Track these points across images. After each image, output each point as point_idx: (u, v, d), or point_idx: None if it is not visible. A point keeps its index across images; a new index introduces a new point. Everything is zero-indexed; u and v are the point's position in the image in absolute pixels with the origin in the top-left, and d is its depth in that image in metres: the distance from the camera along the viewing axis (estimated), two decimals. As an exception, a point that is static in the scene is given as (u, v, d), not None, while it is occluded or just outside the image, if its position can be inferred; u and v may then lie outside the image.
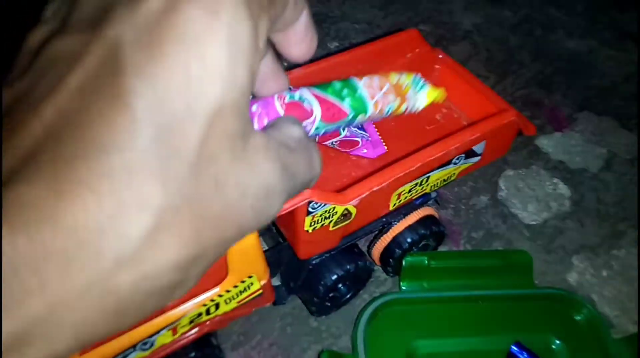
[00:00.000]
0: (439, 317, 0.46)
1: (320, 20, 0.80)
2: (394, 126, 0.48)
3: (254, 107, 0.22)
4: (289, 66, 0.69)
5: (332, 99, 0.29)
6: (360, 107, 0.31)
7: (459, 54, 0.76)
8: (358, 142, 0.45)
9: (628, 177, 0.60)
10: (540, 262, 0.52)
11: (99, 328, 0.14)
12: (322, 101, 0.29)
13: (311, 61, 0.57)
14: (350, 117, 0.31)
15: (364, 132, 0.45)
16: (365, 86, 0.32)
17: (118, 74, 0.13)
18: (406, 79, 0.34)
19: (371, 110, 0.32)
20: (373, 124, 0.47)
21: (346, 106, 0.30)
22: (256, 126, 0.23)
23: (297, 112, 0.24)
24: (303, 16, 0.19)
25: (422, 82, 0.33)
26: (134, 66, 0.13)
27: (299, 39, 0.20)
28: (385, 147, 0.45)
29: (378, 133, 0.46)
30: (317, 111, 0.26)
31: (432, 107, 0.49)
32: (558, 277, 0.51)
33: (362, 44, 0.48)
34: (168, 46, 0.13)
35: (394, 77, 0.34)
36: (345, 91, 0.30)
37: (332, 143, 0.44)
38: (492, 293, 0.47)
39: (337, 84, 0.29)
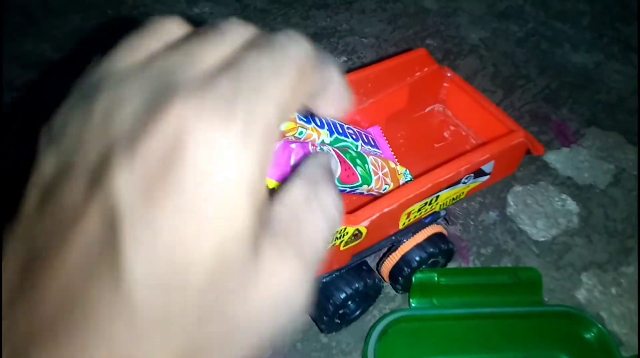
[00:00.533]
0: (449, 334, 0.46)
1: (328, 35, 0.81)
2: (404, 143, 0.49)
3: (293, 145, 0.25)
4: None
5: (349, 163, 0.34)
6: (367, 178, 0.37)
7: (466, 68, 0.76)
8: None
9: (635, 193, 0.60)
10: (549, 279, 0.52)
11: None
12: (342, 161, 0.33)
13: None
14: (358, 183, 0.36)
15: (376, 149, 0.45)
16: (371, 162, 0.37)
17: (115, 248, 0.13)
18: (400, 169, 0.41)
19: (373, 184, 0.38)
20: (385, 139, 0.47)
21: (358, 173, 0.34)
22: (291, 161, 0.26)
23: None
24: (334, 83, 0.19)
25: (409, 176, 0.42)
26: (130, 229, 0.13)
27: (334, 102, 0.19)
28: (396, 160, 0.46)
29: (390, 149, 0.47)
30: (339, 170, 0.28)
31: (441, 125, 0.50)
32: (567, 294, 0.51)
33: (371, 63, 0.49)
34: (168, 198, 0.13)
35: (392, 164, 0.40)
36: (358, 160, 0.35)
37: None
38: (501, 310, 0.47)
39: (353, 153, 0.33)
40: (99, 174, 0.13)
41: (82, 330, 0.12)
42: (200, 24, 0.61)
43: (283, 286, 0.15)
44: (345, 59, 0.77)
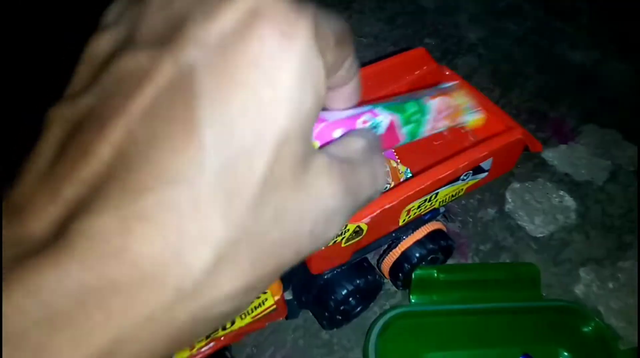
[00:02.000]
0: (449, 329, 0.46)
1: (327, 34, 0.82)
2: (403, 142, 0.49)
3: (338, 132, 0.23)
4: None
5: (397, 124, 0.28)
6: (415, 133, 0.31)
7: (465, 67, 0.77)
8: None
9: (633, 189, 0.61)
10: (548, 274, 0.52)
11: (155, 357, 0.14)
12: (389, 129, 0.28)
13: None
14: (400, 143, 0.30)
15: None
16: (435, 110, 0.31)
17: (189, 100, 0.13)
18: (402, 168, 0.37)
19: (421, 135, 0.32)
20: None
21: (404, 132, 0.29)
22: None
23: None
24: (353, 81, 0.20)
25: (474, 111, 0.36)
26: (206, 92, 0.13)
27: (346, 97, 0.20)
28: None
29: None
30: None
31: (440, 123, 0.50)
32: (565, 289, 0.51)
33: (370, 63, 0.49)
34: (242, 70, 0.13)
35: (393, 163, 0.35)
36: (415, 116, 0.30)
37: None
38: (500, 305, 0.47)
39: (412, 108, 0.28)
40: (170, 42, 0.13)
41: (150, 173, 0.13)
42: None
43: (326, 205, 0.16)
44: (344, 58, 0.78)
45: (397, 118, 0.28)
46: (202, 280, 0.13)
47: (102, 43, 0.15)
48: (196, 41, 0.13)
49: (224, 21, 0.14)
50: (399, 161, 0.46)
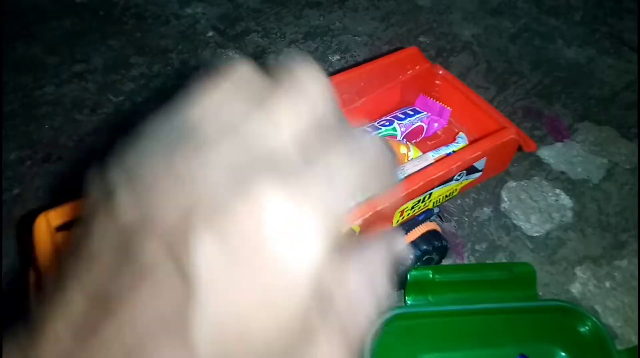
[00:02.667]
0: (445, 330, 0.46)
1: (321, 34, 0.81)
2: (396, 143, 0.49)
3: None
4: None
5: None
6: None
7: (459, 65, 0.76)
8: (423, 126, 0.47)
9: (629, 187, 0.60)
10: (544, 274, 0.52)
11: None
12: None
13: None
14: None
15: (419, 114, 0.47)
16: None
17: (186, 315, 0.13)
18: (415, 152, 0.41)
19: None
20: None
21: None
22: None
23: None
24: None
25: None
26: (204, 306, 0.13)
27: None
28: (449, 108, 0.49)
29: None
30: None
31: (434, 121, 0.50)
32: (561, 288, 0.51)
33: (364, 62, 0.49)
34: (242, 279, 0.13)
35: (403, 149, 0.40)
36: None
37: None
38: (496, 306, 0.47)
39: None
40: (180, 238, 0.13)
41: None
42: (192, 25, 0.61)
43: None
44: (338, 57, 0.77)
45: None
46: None
47: (125, 213, 0.15)
48: (202, 244, 0.13)
49: (232, 226, 0.13)
50: (408, 143, 0.46)
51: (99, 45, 0.77)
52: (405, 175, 0.42)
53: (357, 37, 0.81)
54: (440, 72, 0.50)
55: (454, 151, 0.45)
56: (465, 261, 0.53)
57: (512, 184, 0.60)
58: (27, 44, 0.77)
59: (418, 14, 0.86)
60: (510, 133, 0.42)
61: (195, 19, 0.83)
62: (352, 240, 0.17)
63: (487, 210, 0.58)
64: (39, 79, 0.71)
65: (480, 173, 0.45)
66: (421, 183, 0.38)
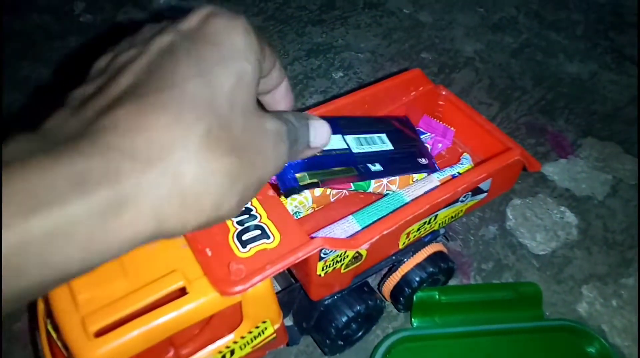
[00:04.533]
0: (452, 352, 0.46)
1: (324, 51, 0.82)
2: (401, 163, 0.49)
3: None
4: (299, 109, 0.70)
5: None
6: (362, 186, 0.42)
7: (462, 81, 0.77)
8: (427, 147, 0.48)
9: (634, 203, 0.60)
10: (550, 293, 0.52)
11: (172, 217, 0.19)
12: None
13: (319, 103, 0.58)
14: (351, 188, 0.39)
15: (423, 135, 0.49)
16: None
17: (174, 59, 0.21)
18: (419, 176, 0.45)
19: (371, 189, 0.43)
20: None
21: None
22: None
23: None
24: (284, 81, 0.30)
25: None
26: (185, 53, 0.21)
27: (282, 98, 0.30)
28: (452, 128, 0.50)
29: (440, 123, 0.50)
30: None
31: (438, 142, 0.50)
32: (568, 308, 0.51)
33: (368, 78, 0.49)
34: (208, 38, 0.22)
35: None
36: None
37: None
38: (503, 327, 0.47)
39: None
40: (155, 37, 0.22)
41: (154, 92, 0.20)
42: None
43: (274, 129, 0.24)
44: (342, 74, 0.78)
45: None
46: (198, 150, 0.19)
47: (104, 58, 0.24)
48: (173, 30, 0.22)
49: (191, 20, 0.23)
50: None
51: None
52: (411, 198, 0.42)
53: (359, 54, 0.81)
54: (444, 92, 0.50)
55: (458, 173, 0.45)
56: (472, 281, 0.53)
57: (517, 201, 0.60)
58: (32, 64, 0.78)
59: (420, 31, 0.86)
60: (515, 154, 0.42)
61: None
62: None
63: (492, 228, 0.58)
64: (45, 99, 0.72)
65: (486, 194, 0.45)
66: (427, 206, 0.38)
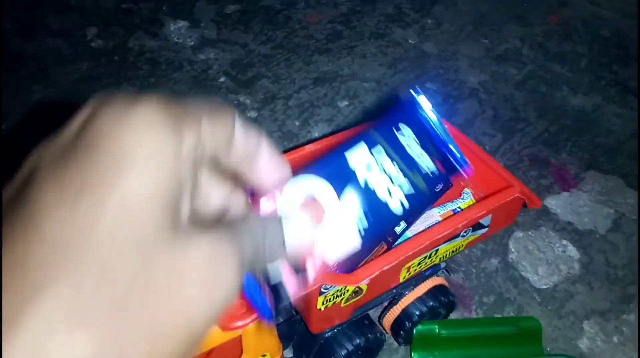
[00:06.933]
0: (451, 387, 0.46)
1: (330, 79, 0.83)
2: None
3: None
4: (301, 143, 0.71)
5: None
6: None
7: (466, 112, 0.78)
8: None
9: (635, 238, 0.60)
10: (552, 328, 0.52)
11: None
12: None
13: (322, 137, 0.59)
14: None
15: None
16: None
17: (31, 192, 0.15)
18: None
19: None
20: None
21: None
22: None
23: None
24: (263, 145, 0.20)
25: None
26: (49, 181, 0.15)
27: (267, 169, 0.21)
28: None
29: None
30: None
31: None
32: (569, 344, 0.51)
33: (372, 108, 0.50)
34: (75, 165, 0.15)
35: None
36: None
37: None
38: (503, 362, 0.47)
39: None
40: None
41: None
42: (205, 71, 0.64)
43: (207, 256, 0.16)
44: (347, 103, 0.79)
45: None
46: None
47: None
48: (42, 147, 0.16)
49: (71, 126, 0.16)
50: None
51: (113, 89, 0.79)
52: (412, 233, 0.42)
53: (365, 83, 0.83)
54: (445, 126, 0.51)
55: (459, 208, 0.46)
56: (473, 315, 0.53)
57: (519, 234, 0.61)
58: (44, 88, 0.79)
59: (425, 61, 0.88)
60: (516, 191, 0.43)
61: (208, 64, 0.85)
62: None
63: (494, 261, 0.58)
64: (55, 124, 0.73)
65: (487, 229, 0.45)
66: (427, 243, 0.39)
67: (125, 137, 0.15)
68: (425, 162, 0.37)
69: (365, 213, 0.32)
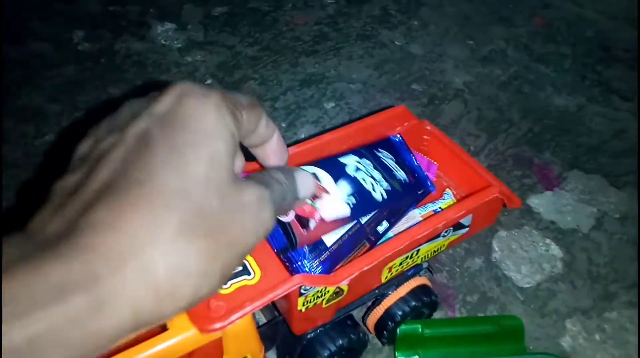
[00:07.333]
0: (434, 386, 0.46)
1: (317, 81, 0.83)
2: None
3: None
4: (287, 144, 0.71)
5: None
6: None
7: (451, 112, 0.78)
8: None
9: (618, 236, 0.61)
10: (535, 327, 0.52)
11: (149, 310, 0.20)
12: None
13: (308, 138, 0.59)
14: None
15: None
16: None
17: (149, 149, 0.21)
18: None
19: None
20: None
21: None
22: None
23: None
24: (275, 135, 0.30)
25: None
26: (160, 142, 0.22)
27: (273, 152, 0.30)
28: (436, 162, 0.51)
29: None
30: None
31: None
32: (552, 342, 0.51)
33: (359, 109, 0.50)
34: (181, 123, 0.22)
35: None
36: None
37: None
38: (486, 361, 0.47)
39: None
40: (129, 123, 0.23)
41: (131, 189, 0.20)
42: (192, 73, 0.65)
43: (260, 194, 0.25)
44: (333, 104, 0.79)
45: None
46: (174, 242, 0.20)
47: (85, 145, 0.24)
48: (147, 116, 0.23)
49: (164, 102, 0.23)
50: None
51: (100, 93, 0.79)
52: (394, 233, 0.43)
53: (351, 85, 0.83)
54: (428, 127, 0.52)
55: (440, 208, 0.46)
56: (457, 314, 0.53)
57: (502, 233, 0.61)
58: (29, 92, 0.79)
59: (411, 62, 0.88)
60: (495, 191, 0.43)
61: (195, 66, 0.86)
62: None
63: (478, 260, 0.58)
64: (41, 127, 0.73)
65: (467, 229, 0.45)
66: (407, 243, 0.39)
67: (206, 118, 0.23)
68: (400, 174, 0.46)
69: (354, 195, 0.41)
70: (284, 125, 0.75)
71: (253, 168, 0.40)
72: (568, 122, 0.77)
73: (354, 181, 0.42)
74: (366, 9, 1.02)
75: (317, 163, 0.42)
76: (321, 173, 0.41)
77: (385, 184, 0.43)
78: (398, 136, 0.50)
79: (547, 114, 0.78)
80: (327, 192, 0.40)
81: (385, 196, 0.42)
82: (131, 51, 0.88)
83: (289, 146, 0.48)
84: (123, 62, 0.86)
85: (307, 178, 0.30)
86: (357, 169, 0.43)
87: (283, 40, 0.92)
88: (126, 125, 0.23)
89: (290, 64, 0.87)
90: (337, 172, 0.42)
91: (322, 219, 0.39)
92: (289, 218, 0.39)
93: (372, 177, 0.43)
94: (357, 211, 0.40)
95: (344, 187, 0.41)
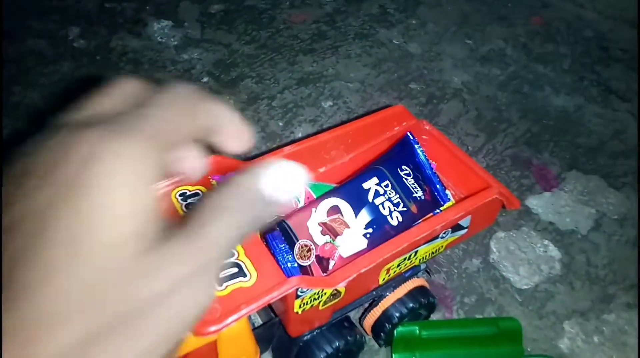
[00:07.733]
0: (432, 388, 0.46)
1: (314, 80, 0.83)
2: (384, 197, 0.49)
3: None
4: (284, 143, 0.71)
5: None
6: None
7: (449, 112, 0.78)
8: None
9: (616, 238, 0.61)
10: (532, 328, 0.52)
11: None
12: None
13: (305, 137, 0.59)
14: None
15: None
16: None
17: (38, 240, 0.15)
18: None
19: None
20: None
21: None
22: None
23: None
24: (230, 117, 0.21)
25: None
26: (52, 232, 0.16)
27: (233, 136, 0.22)
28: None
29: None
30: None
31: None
32: (550, 344, 0.51)
33: (357, 108, 0.50)
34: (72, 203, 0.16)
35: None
36: None
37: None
38: (483, 363, 0.47)
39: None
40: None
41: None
42: (188, 71, 0.64)
43: (179, 272, 0.17)
44: (331, 103, 0.78)
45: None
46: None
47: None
48: (51, 185, 0.16)
49: (69, 167, 0.17)
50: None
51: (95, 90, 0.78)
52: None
53: (349, 84, 0.82)
54: (427, 127, 0.51)
55: (439, 209, 0.46)
56: (455, 315, 0.53)
57: (501, 234, 0.61)
58: (24, 90, 0.78)
59: (409, 61, 0.88)
60: (494, 193, 0.43)
61: (191, 64, 0.85)
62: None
63: (476, 261, 0.58)
64: (35, 125, 0.72)
65: (466, 230, 0.45)
66: (405, 244, 0.39)
67: (113, 191, 0.16)
68: (419, 193, 0.46)
69: (372, 224, 0.42)
70: (280, 124, 0.74)
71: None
72: (567, 123, 0.77)
73: (373, 209, 0.43)
74: (364, 7, 1.01)
75: (340, 191, 0.43)
76: (343, 205, 0.42)
77: (402, 207, 0.44)
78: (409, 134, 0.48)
79: (546, 114, 0.78)
80: (347, 226, 0.42)
81: (400, 219, 0.43)
82: (127, 48, 0.88)
83: (286, 145, 0.48)
84: (119, 59, 0.85)
85: (281, 170, 0.21)
86: (377, 194, 0.44)
87: (280, 39, 0.92)
88: (34, 190, 0.17)
89: (288, 62, 0.87)
90: (359, 202, 0.43)
91: (340, 257, 0.41)
92: (309, 260, 0.40)
93: (390, 201, 0.44)
94: (373, 242, 0.42)
95: (364, 217, 0.43)
